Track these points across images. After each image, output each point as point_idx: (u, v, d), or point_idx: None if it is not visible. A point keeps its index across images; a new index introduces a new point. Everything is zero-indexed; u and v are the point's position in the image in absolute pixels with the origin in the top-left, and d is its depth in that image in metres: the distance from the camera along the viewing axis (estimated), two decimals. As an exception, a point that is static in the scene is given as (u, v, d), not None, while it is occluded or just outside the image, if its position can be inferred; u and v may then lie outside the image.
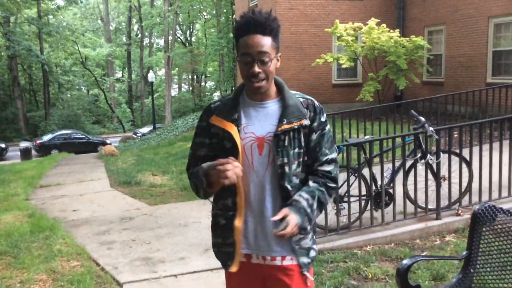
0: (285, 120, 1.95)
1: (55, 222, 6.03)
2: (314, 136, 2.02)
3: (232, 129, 1.97)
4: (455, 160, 5.23)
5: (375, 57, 13.33)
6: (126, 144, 24.71)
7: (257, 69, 1.89)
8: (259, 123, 1.99)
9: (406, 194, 5.16)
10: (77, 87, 47.29)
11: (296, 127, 1.96)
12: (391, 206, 5.14)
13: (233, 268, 2.06)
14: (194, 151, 2.10)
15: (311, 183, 2.02)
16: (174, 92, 45.91)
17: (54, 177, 10.18)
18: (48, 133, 31.12)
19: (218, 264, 4.55)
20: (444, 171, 5.18)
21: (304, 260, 2.04)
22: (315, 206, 1.99)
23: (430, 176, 5.21)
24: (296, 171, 1.99)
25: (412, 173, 5.19)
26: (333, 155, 2.08)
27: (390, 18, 15.76)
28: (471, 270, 2.89)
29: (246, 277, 2.10)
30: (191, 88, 49.96)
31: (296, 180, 1.99)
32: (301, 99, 2.02)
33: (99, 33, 49.72)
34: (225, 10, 36.55)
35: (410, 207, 5.20)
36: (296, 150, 1.98)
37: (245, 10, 18.87)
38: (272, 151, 1.96)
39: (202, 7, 42.19)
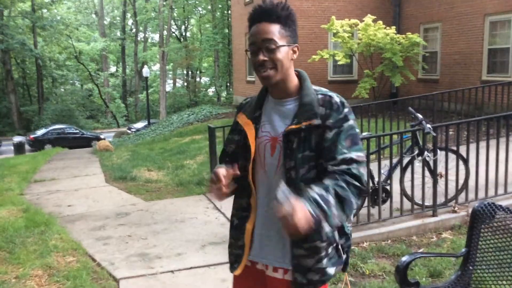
0: (295, 120, 1.82)
1: (50, 217, 5.99)
2: (330, 135, 1.79)
3: (249, 127, 1.92)
4: (452, 157, 5.24)
5: (371, 54, 13.34)
6: (120, 139, 24.61)
7: (261, 57, 1.80)
8: (275, 122, 1.90)
9: (403, 191, 5.16)
10: (71, 81, 46.98)
11: (304, 127, 1.79)
12: (387, 202, 5.15)
13: (237, 271, 2.00)
14: (224, 147, 2.09)
15: (325, 181, 1.73)
16: (168, 87, 45.76)
17: (48, 172, 10.12)
18: (41, 127, 30.95)
19: (215, 260, 4.60)
20: (440, 168, 5.19)
21: (299, 278, 1.84)
22: (331, 201, 1.66)
23: (426, 173, 5.22)
24: (305, 176, 1.80)
25: (409, 170, 5.20)
26: (354, 154, 1.77)
27: (386, 15, 15.75)
28: (470, 267, 2.89)
29: (252, 282, 2.02)
30: (185, 84, 49.80)
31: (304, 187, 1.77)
32: (320, 96, 1.85)
33: (93, 27, 49.41)
34: (220, 6, 36.44)
35: (407, 204, 5.21)
36: (307, 153, 1.80)
37: (241, 5, 18.80)
38: (282, 153, 1.85)
39: (197, 2, 42.06)
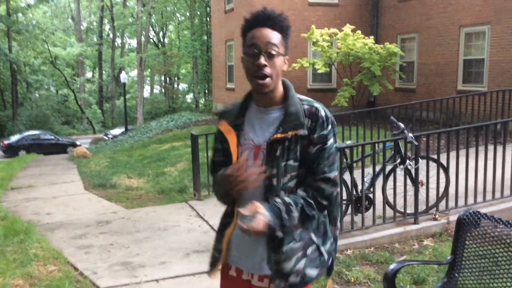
0: (281, 128, 1.82)
1: (29, 226, 5.87)
2: (313, 150, 1.83)
3: (231, 134, 1.91)
4: (432, 165, 5.34)
5: (350, 63, 13.50)
6: (97, 145, 24.27)
7: (262, 60, 1.78)
8: (259, 130, 1.90)
9: (385, 199, 5.23)
10: (46, 86, 46.24)
11: (290, 137, 1.80)
12: (370, 210, 5.21)
13: (211, 274, 2.04)
14: (213, 157, 2.07)
15: (299, 191, 1.84)
16: (146, 93, 45.41)
17: (25, 179, 9.92)
18: (15, 133, 30.30)
19: (199, 268, 4.58)
20: (421, 177, 5.29)
21: (281, 284, 1.84)
22: (295, 214, 1.78)
23: (408, 181, 5.30)
24: (287, 185, 1.83)
25: (391, 178, 5.28)
26: (331, 174, 1.85)
27: (364, 24, 16.00)
28: (456, 275, 2.95)
29: None
30: (163, 90, 49.52)
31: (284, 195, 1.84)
32: (306, 107, 1.86)
33: (69, 32, 48.77)
34: (199, 13, 36.41)
35: (389, 212, 5.28)
36: (290, 162, 1.82)
37: (221, 13, 18.77)
38: (264, 161, 1.85)
39: (176, 8, 41.93)
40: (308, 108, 1.85)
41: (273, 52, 1.80)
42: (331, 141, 1.85)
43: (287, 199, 1.80)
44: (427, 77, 14.40)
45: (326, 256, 1.92)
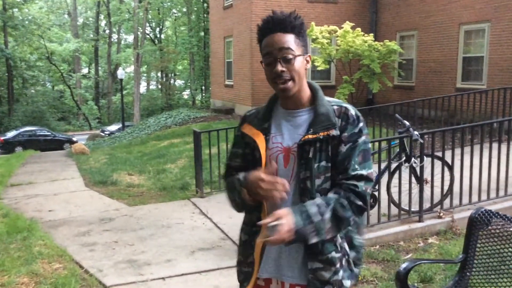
0: (311, 129, 1.79)
1: (32, 223, 5.84)
2: (344, 148, 1.78)
3: (259, 137, 1.86)
4: (437, 163, 5.35)
5: (350, 60, 13.50)
6: (95, 142, 24.20)
7: (279, 67, 1.76)
8: (287, 133, 1.86)
9: (390, 197, 5.24)
10: (42, 82, 46.01)
11: (321, 137, 1.77)
12: (375, 208, 5.21)
13: None
14: (229, 161, 2.02)
15: (330, 194, 1.77)
16: (142, 89, 45.28)
17: (24, 176, 9.88)
18: (12, 129, 30.16)
19: (206, 266, 4.57)
20: (426, 175, 5.29)
21: None
22: (327, 216, 1.70)
23: (412, 179, 5.31)
24: (321, 187, 1.79)
25: (395, 176, 5.28)
26: (364, 171, 1.79)
27: (363, 22, 15.99)
28: (467, 273, 2.96)
29: None
30: (160, 86, 49.40)
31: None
32: (336, 107, 1.83)
33: (65, 28, 48.52)
34: (196, 9, 36.29)
35: (394, 210, 5.28)
36: (323, 163, 1.78)
37: (220, 9, 18.71)
38: (296, 164, 1.81)
39: (172, 4, 41.78)
40: (338, 109, 1.83)
41: (289, 57, 1.78)
42: (362, 138, 1.81)
43: (317, 200, 1.74)
44: (426, 74, 14.41)
45: (352, 265, 1.88)
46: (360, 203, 1.75)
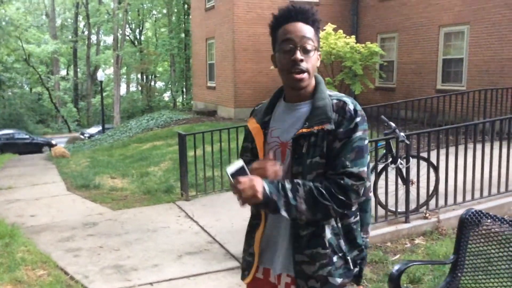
0: (306, 123, 1.75)
1: (14, 229, 5.69)
2: (338, 145, 1.73)
3: (258, 132, 1.88)
4: (422, 164, 5.39)
5: (332, 62, 13.55)
6: (75, 145, 23.87)
7: (299, 55, 1.73)
8: (285, 127, 1.84)
9: (376, 198, 5.26)
10: (20, 84, 45.21)
11: (315, 131, 1.73)
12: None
13: (246, 280, 1.98)
14: (240, 156, 2.02)
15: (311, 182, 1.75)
16: (122, 91, 44.83)
17: (4, 180, 9.65)
18: (-12, 133, 29.54)
19: (194, 271, 4.52)
20: (412, 176, 5.33)
21: (301, 284, 1.82)
22: (301, 194, 1.67)
23: (398, 180, 5.34)
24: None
25: (382, 177, 5.31)
26: (356, 169, 1.71)
27: (345, 24, 16.09)
28: (459, 274, 2.97)
29: None
30: (140, 88, 48.98)
31: None
32: (335, 101, 1.78)
33: (44, 29, 47.78)
34: (176, 10, 36.09)
35: (381, 211, 5.31)
36: (316, 159, 1.74)
37: (202, 11, 18.56)
38: (290, 158, 1.80)
39: (152, 5, 41.49)
40: (337, 103, 1.78)
41: (309, 47, 1.76)
42: (357, 134, 1.73)
43: (295, 180, 1.72)
44: (406, 76, 14.57)
45: (351, 265, 1.85)
46: (341, 197, 1.69)
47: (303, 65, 1.75)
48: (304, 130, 1.75)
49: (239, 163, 1.71)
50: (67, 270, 4.61)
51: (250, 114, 2.01)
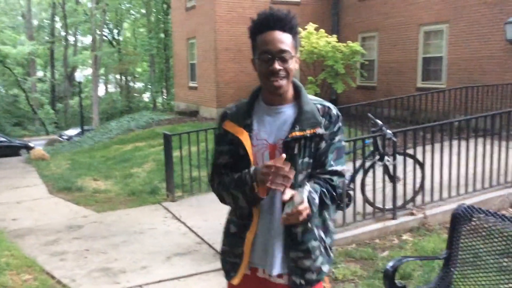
0: (297, 126, 1.84)
1: (-4, 233, 5.58)
2: (323, 145, 1.89)
3: (243, 135, 1.89)
4: (409, 161, 5.44)
5: (314, 61, 13.60)
6: (54, 147, 23.41)
7: (277, 66, 1.81)
8: (272, 129, 1.90)
9: (364, 196, 5.28)
10: (-5, 86, 44.31)
11: (308, 135, 1.84)
12: (351, 207, 5.25)
13: (235, 281, 1.99)
14: (215, 160, 2.01)
15: (313, 184, 1.87)
16: (100, 92, 44.32)
17: (-18, 184, 9.43)
18: (-37, 136, 28.83)
19: (183, 272, 4.47)
20: (398, 173, 5.37)
21: (297, 280, 1.91)
22: (317, 200, 1.82)
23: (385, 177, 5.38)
24: (302, 182, 1.87)
25: (369, 174, 5.34)
26: (339, 167, 1.93)
27: (326, 23, 16.14)
28: (451, 269, 3.00)
29: None
30: (119, 89, 48.46)
31: None
32: (319, 106, 1.91)
33: (20, 30, 46.87)
34: (155, 10, 35.79)
35: (369, 208, 5.33)
36: (306, 159, 1.87)
37: (182, 10, 18.42)
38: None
39: (131, 5, 41.06)
40: (322, 108, 1.92)
41: (287, 57, 1.83)
42: (338, 137, 1.93)
43: (307, 187, 1.81)
44: (387, 75, 14.70)
45: (330, 250, 2.00)
46: (334, 193, 1.91)
47: (281, 73, 1.83)
48: (298, 133, 1.84)
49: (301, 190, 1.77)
50: (54, 274, 4.52)
51: (222, 117, 1.99)
